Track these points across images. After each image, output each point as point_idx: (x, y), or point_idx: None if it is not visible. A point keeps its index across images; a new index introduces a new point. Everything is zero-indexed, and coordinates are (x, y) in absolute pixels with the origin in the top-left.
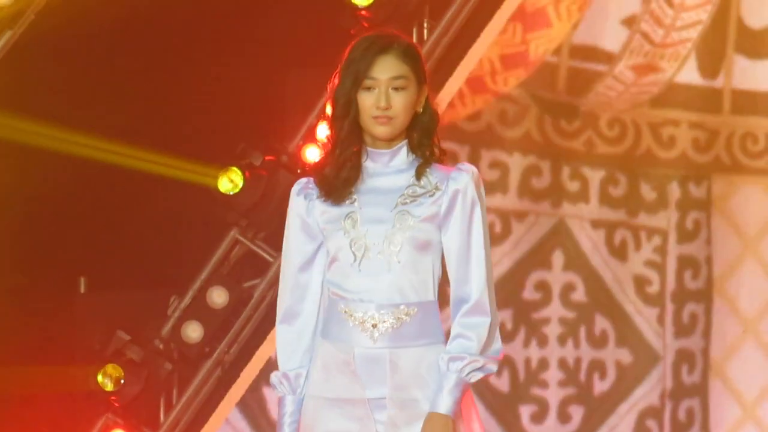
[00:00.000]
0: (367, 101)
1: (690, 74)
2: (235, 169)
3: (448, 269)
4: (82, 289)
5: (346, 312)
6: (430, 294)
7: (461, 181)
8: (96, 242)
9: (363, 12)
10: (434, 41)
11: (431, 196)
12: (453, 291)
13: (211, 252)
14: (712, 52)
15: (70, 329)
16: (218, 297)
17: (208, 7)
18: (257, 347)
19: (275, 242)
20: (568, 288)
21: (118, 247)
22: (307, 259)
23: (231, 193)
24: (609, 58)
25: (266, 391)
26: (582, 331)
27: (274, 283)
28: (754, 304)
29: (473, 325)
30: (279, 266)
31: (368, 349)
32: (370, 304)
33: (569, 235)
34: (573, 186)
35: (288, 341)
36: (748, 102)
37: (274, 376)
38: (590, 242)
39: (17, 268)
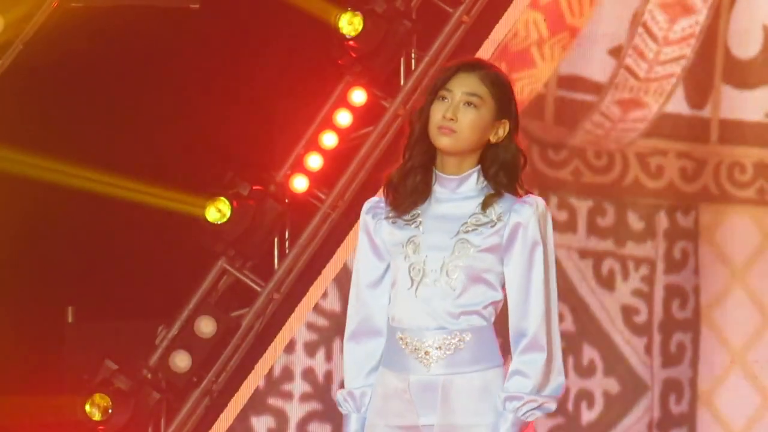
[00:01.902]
0: (437, 111)
1: (677, 104)
2: (222, 198)
3: (508, 301)
4: (70, 319)
5: (401, 339)
6: (485, 319)
7: (523, 214)
8: (84, 272)
9: (351, 42)
10: (422, 71)
11: (492, 226)
12: (512, 325)
13: (199, 281)
14: (699, 82)
15: (58, 359)
16: (206, 326)
17: (196, 38)
18: (245, 377)
19: (263, 272)
20: None
21: (106, 276)
22: (376, 278)
23: (219, 222)
24: (596, 89)
25: (254, 421)
26: (570, 361)
27: (262, 312)
28: (741, 333)
29: (530, 362)
30: (266, 296)
31: (422, 376)
32: (425, 331)
33: (557, 265)
34: (560, 216)
35: (355, 360)
36: (735, 132)
37: (340, 394)
38: (578, 272)
39: (5, 297)
